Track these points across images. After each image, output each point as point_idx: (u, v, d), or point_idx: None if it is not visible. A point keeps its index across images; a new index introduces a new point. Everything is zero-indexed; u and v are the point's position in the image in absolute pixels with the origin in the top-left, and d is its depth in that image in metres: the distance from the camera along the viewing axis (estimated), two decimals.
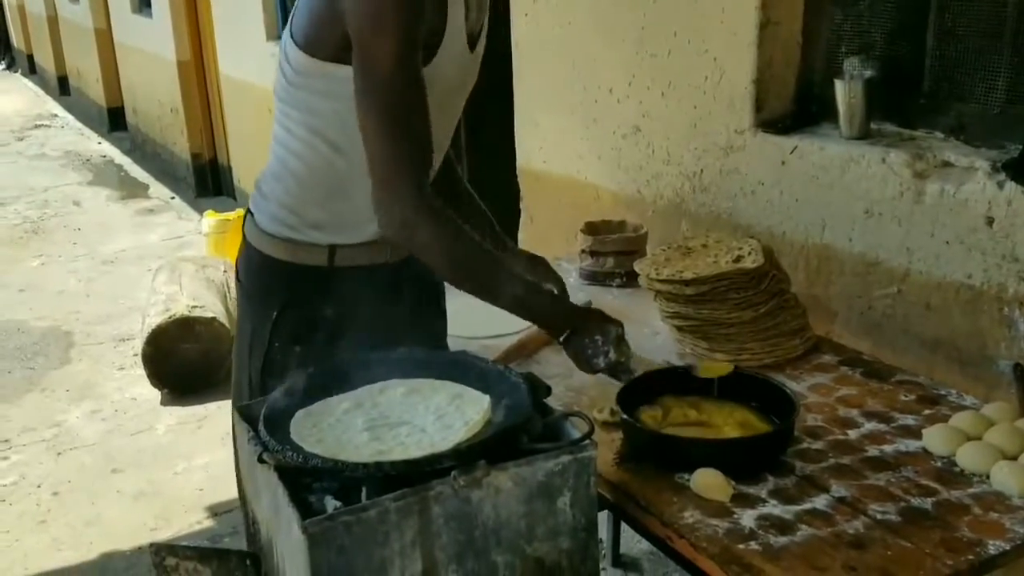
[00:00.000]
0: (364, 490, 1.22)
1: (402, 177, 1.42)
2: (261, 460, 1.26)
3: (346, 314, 1.63)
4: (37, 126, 10.68)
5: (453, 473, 1.21)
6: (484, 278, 1.52)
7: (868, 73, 2.21)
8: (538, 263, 1.87)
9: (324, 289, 1.63)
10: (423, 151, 1.46)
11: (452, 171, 1.86)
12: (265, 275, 1.68)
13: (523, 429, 1.31)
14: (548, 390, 1.43)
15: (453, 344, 1.88)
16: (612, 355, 1.58)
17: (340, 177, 1.57)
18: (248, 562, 1.41)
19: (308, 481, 1.27)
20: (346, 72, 1.45)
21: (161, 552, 1.39)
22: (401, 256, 1.65)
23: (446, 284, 1.86)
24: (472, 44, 1.59)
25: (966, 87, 2.11)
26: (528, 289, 1.58)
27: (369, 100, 1.42)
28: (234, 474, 1.61)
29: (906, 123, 2.22)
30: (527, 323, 2.13)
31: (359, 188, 1.51)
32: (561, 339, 1.59)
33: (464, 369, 1.48)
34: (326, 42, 1.46)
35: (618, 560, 2.78)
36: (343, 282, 1.63)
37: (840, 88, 2.22)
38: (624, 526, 2.72)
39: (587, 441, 1.30)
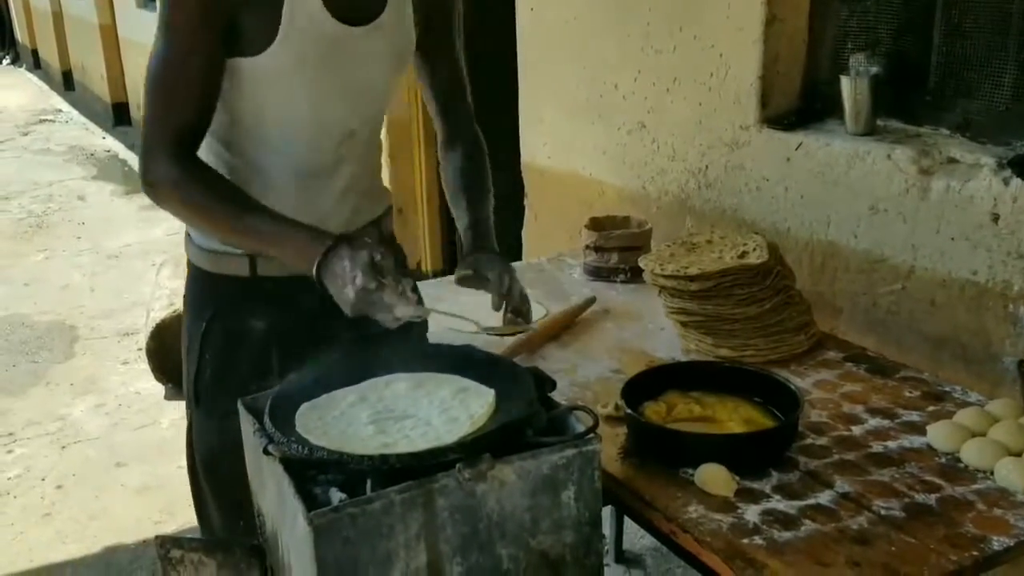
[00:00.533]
0: (369, 483, 1.23)
1: (156, 139, 1.45)
2: (267, 452, 1.27)
3: (276, 325, 1.61)
4: (42, 121, 10.70)
5: (458, 466, 1.21)
6: (222, 223, 1.47)
7: (874, 70, 2.21)
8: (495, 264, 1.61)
9: (250, 299, 1.61)
10: (185, 120, 1.45)
11: (459, 146, 1.80)
12: (195, 286, 1.68)
13: (528, 423, 1.31)
14: (553, 384, 1.43)
15: (458, 339, 1.88)
16: (359, 281, 1.33)
17: (241, 180, 1.54)
18: (253, 554, 1.41)
19: (313, 474, 1.28)
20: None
21: (166, 544, 1.40)
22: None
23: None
24: (354, 20, 1.50)
25: (972, 84, 2.10)
26: (276, 223, 1.44)
27: (150, 66, 1.45)
28: None
29: (912, 120, 2.22)
30: (533, 319, 2.15)
31: (267, 193, 1.51)
32: (315, 274, 1.38)
33: (470, 363, 1.48)
34: None
35: (621, 556, 2.79)
36: (268, 292, 1.60)
37: (846, 85, 2.22)
38: (627, 522, 2.73)
39: (592, 435, 1.31)
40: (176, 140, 1.45)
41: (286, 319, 1.60)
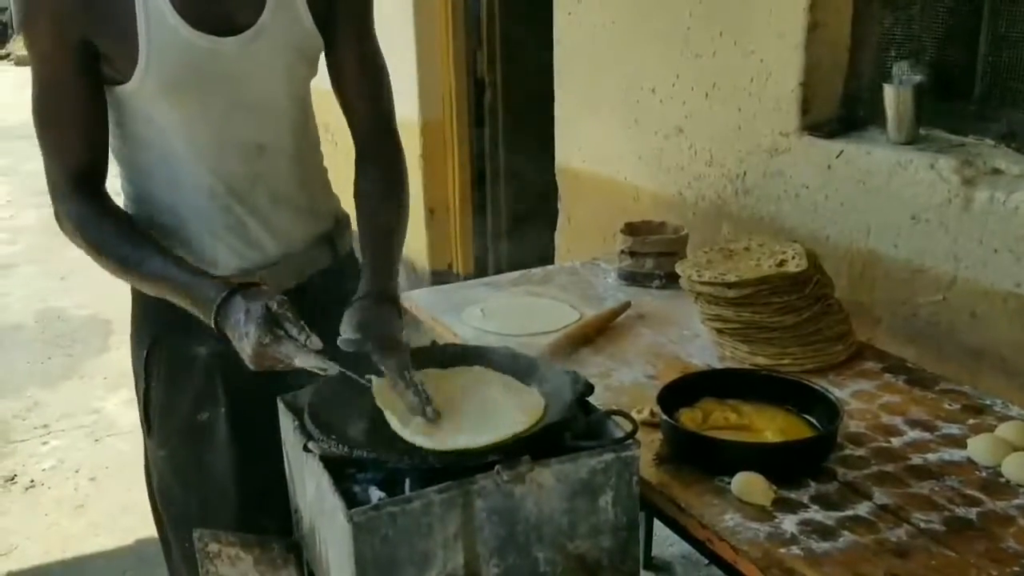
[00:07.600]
0: (408, 481, 1.23)
1: (55, 176, 1.44)
2: (307, 449, 1.28)
3: (220, 351, 1.44)
4: None
5: (497, 468, 1.22)
6: (122, 266, 1.43)
7: (918, 78, 2.18)
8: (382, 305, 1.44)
9: (191, 325, 1.42)
10: (78, 154, 1.43)
11: (367, 171, 1.62)
12: (136, 310, 1.60)
13: (567, 426, 1.31)
14: (591, 388, 1.42)
15: (492, 341, 1.88)
16: (253, 334, 1.28)
17: (159, 205, 1.52)
18: (290, 550, 1.42)
19: (352, 471, 1.28)
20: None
21: (204, 538, 1.41)
22: (281, 290, 1.50)
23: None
24: (224, 30, 1.41)
25: (1019, 94, 2.07)
26: (176, 270, 1.40)
27: (31, 101, 1.42)
28: None
29: (956, 129, 2.19)
30: (566, 322, 2.15)
31: (187, 216, 1.49)
32: (214, 326, 1.35)
33: (508, 363, 1.48)
34: None
35: (650, 563, 2.77)
36: None
37: (889, 93, 2.20)
38: (656, 530, 2.72)
39: (631, 440, 1.30)
40: (74, 176, 1.43)
41: (230, 345, 1.39)
